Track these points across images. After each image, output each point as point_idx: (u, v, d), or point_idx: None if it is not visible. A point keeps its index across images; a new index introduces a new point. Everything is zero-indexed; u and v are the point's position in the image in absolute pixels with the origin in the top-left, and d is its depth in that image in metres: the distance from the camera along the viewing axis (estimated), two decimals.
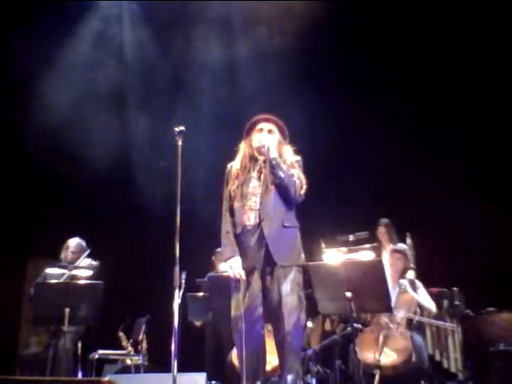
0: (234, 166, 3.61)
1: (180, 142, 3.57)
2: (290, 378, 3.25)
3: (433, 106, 6.33)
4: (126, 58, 7.23)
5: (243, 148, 3.61)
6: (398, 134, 6.40)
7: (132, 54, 7.24)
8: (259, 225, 3.37)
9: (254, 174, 3.49)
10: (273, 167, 3.40)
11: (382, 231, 5.40)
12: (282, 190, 3.41)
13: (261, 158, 3.49)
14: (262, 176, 3.45)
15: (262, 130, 3.55)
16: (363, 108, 6.54)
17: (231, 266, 3.37)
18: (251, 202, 3.42)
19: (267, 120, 3.59)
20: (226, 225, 3.50)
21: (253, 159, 3.55)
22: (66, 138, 6.63)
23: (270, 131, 3.55)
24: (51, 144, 6.62)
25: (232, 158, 3.74)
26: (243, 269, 3.37)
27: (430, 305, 4.68)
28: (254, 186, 3.45)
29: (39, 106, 6.54)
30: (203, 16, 6.99)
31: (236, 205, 3.47)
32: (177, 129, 3.57)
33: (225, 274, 4.48)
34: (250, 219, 3.39)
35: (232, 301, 3.41)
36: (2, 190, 6.69)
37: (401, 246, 5.00)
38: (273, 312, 3.34)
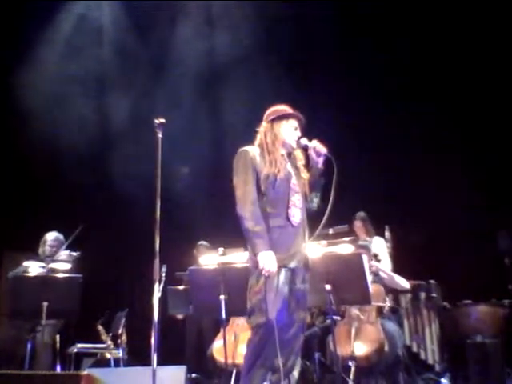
0: (256, 151, 3.30)
1: (160, 135, 3.53)
2: (296, 373, 3.22)
3: (429, 100, 6.33)
4: (106, 45, 7.14)
5: (274, 133, 3.36)
6: (376, 126, 6.43)
7: (111, 42, 7.15)
8: (301, 224, 3.28)
9: (291, 170, 3.35)
10: (320, 175, 3.36)
11: (358, 225, 5.41)
12: (318, 194, 3.39)
13: (297, 154, 3.41)
14: (295, 173, 3.36)
15: (296, 128, 3.41)
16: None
17: (270, 263, 3.08)
18: (295, 198, 3.27)
19: (299, 119, 3.45)
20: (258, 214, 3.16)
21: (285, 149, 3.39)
22: (43, 131, 6.53)
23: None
24: (27, 136, 6.51)
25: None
26: (286, 265, 3.17)
27: (403, 282, 4.77)
28: (294, 183, 3.31)
29: (18, 94, 6.44)
30: (187, 4, 6.93)
31: (276, 196, 3.23)
32: (157, 121, 3.53)
33: (205, 267, 4.48)
34: (296, 216, 3.25)
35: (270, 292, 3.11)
36: None
37: (363, 241, 5.03)
38: (301, 311, 3.26)
